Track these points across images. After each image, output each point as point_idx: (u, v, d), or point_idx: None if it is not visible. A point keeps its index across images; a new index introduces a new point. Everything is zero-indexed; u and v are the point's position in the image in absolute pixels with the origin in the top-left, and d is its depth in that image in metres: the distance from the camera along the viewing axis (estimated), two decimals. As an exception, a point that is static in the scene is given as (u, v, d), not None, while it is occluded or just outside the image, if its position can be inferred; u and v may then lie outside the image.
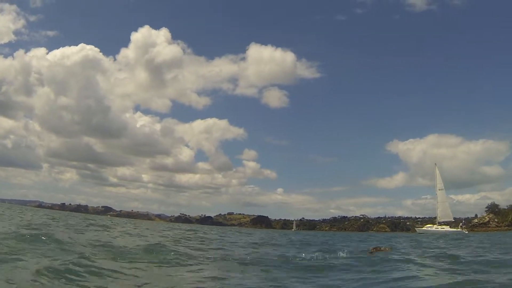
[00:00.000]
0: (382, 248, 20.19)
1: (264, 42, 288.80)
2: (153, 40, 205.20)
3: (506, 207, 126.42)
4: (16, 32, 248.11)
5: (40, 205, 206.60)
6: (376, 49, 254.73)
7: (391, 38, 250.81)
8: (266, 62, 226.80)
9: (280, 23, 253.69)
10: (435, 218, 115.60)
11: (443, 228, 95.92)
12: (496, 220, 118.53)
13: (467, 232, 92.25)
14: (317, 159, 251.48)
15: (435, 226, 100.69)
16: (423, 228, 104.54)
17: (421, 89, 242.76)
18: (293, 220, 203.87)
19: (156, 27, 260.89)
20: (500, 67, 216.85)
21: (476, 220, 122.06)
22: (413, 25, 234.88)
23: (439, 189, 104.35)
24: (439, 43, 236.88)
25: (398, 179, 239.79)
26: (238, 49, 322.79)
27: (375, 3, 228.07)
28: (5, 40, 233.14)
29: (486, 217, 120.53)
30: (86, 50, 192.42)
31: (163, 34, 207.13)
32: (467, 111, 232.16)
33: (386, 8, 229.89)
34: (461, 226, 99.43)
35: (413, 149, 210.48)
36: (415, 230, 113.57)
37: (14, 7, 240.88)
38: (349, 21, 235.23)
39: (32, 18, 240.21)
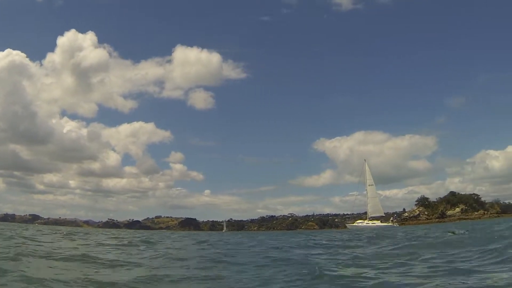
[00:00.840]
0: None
1: (190, 43, 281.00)
2: (79, 44, 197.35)
3: (435, 200, 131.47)
4: None
5: None
6: (302, 49, 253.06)
7: (317, 38, 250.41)
8: (192, 64, 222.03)
9: (205, 24, 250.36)
10: (365, 213, 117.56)
11: (374, 223, 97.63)
12: (426, 213, 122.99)
13: (397, 225, 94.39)
14: (245, 160, 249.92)
15: (365, 221, 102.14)
16: (354, 224, 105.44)
17: (348, 87, 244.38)
18: (222, 221, 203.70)
19: (83, 30, 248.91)
20: (425, 64, 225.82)
21: (406, 214, 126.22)
22: (339, 25, 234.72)
23: (369, 185, 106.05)
24: (366, 42, 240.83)
25: (325, 176, 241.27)
26: (164, 51, 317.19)
27: (301, 3, 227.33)
28: None
29: (416, 210, 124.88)
30: (12, 56, 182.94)
31: (89, 37, 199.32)
32: (393, 108, 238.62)
33: (312, 8, 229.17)
34: (392, 220, 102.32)
35: (340, 146, 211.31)
36: (345, 227, 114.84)
37: None
38: (274, 21, 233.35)
39: None
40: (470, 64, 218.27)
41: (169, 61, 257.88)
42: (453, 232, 28.19)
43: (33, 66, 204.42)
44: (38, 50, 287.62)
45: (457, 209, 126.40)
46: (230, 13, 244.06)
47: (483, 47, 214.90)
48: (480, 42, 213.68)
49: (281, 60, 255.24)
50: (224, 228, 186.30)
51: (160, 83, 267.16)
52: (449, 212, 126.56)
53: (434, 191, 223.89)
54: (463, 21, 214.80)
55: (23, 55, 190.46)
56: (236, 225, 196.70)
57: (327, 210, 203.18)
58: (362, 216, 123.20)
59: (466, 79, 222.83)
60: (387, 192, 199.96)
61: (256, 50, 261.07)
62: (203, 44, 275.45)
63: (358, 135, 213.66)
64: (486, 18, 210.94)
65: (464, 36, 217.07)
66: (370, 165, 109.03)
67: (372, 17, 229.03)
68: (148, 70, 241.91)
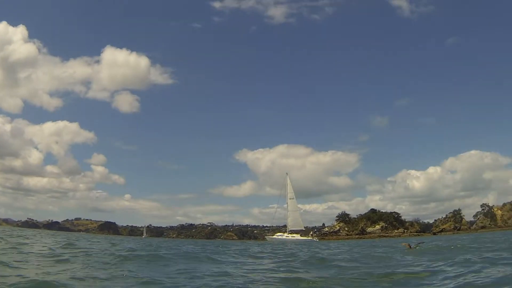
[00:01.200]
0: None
1: (119, 45, 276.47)
2: (9, 37, 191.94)
3: (356, 217, 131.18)
4: None
5: None
6: (231, 58, 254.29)
7: (245, 49, 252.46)
8: (120, 66, 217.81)
9: (136, 27, 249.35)
10: (284, 226, 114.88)
11: (294, 236, 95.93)
12: (346, 228, 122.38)
13: (317, 240, 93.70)
14: (166, 166, 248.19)
15: (285, 234, 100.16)
16: (273, 237, 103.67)
17: (274, 100, 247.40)
18: (141, 227, 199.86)
19: (14, 23, 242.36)
20: (351, 83, 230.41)
21: (326, 229, 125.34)
22: (269, 37, 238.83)
23: (290, 198, 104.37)
24: (294, 56, 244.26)
25: (246, 187, 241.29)
26: (93, 51, 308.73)
27: (233, 12, 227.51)
28: None
29: (337, 226, 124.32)
30: None
31: (20, 31, 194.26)
32: (317, 123, 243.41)
33: (244, 18, 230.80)
34: (311, 235, 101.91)
35: (262, 158, 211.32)
36: (264, 238, 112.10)
37: None
38: (205, 29, 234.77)
39: None
40: (394, 86, 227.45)
41: (98, 61, 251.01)
42: (410, 246, 27.95)
43: None
44: None
45: (378, 226, 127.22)
46: (162, 18, 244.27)
47: (406, 69, 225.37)
48: (406, 64, 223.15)
49: (209, 69, 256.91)
50: (144, 234, 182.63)
51: (87, 83, 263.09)
52: (369, 229, 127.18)
53: (354, 207, 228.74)
54: (392, 42, 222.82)
55: None
56: (155, 231, 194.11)
57: (246, 221, 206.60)
58: (282, 229, 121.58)
59: (390, 100, 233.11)
60: (307, 206, 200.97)
61: (185, 57, 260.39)
62: (132, 46, 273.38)
63: (281, 148, 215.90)
64: (411, 41, 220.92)
65: (391, 56, 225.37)
66: (291, 179, 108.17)
67: (303, 32, 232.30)
68: (76, 69, 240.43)
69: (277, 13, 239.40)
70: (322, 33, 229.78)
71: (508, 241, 30.30)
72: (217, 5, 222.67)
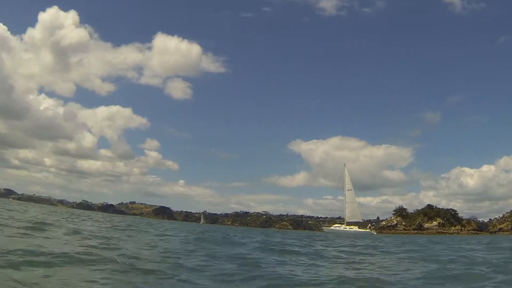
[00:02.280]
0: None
1: (171, 32, 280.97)
2: (60, 22, 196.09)
3: (412, 212, 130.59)
4: None
5: None
6: (282, 49, 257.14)
7: (298, 40, 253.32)
8: (171, 53, 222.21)
9: (188, 15, 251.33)
10: (338, 218, 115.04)
11: (351, 228, 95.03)
12: (403, 223, 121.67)
13: (375, 233, 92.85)
14: (219, 154, 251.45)
15: (343, 226, 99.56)
16: (331, 228, 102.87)
17: (327, 91, 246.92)
18: (196, 213, 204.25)
19: (65, 8, 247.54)
20: (405, 77, 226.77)
21: (384, 222, 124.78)
22: (321, 29, 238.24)
23: (348, 190, 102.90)
24: (347, 48, 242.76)
25: (299, 178, 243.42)
26: (145, 37, 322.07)
27: (284, 3, 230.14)
28: None
29: (394, 220, 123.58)
30: None
31: (71, 16, 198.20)
32: (372, 116, 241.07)
33: (295, 9, 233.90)
34: (369, 227, 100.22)
35: (316, 149, 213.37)
36: (321, 229, 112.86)
37: None
38: (256, 18, 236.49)
39: None
40: (446, 82, 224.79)
41: (149, 48, 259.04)
42: None
43: (13, 40, 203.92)
44: (19, 24, 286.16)
45: (435, 222, 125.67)
46: (213, 7, 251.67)
47: (458, 66, 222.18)
48: (458, 61, 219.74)
49: (261, 59, 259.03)
50: (202, 220, 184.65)
51: (139, 69, 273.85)
52: (426, 225, 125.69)
53: (408, 202, 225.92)
54: (444, 38, 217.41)
55: (4, 27, 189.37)
56: (210, 218, 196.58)
57: (300, 211, 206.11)
58: (336, 220, 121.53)
59: (442, 96, 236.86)
60: (361, 199, 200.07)
61: (236, 46, 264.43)
62: (184, 34, 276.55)
63: (335, 140, 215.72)
64: (463, 37, 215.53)
65: (443, 53, 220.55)
66: (342, 171, 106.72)
67: (355, 26, 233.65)
68: (127, 55, 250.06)
69: (329, 5, 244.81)
70: (373, 26, 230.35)
71: None
72: None
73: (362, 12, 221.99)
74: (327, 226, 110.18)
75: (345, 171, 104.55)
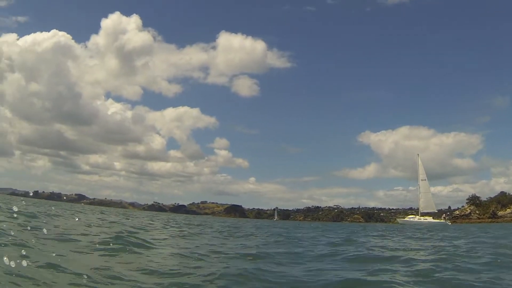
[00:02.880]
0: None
1: (234, 30, 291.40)
2: (123, 27, 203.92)
3: (486, 200, 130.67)
4: None
5: (13, 193, 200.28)
6: (347, 40, 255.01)
7: (362, 31, 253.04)
8: (236, 50, 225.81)
9: (250, 11, 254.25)
10: (410, 209, 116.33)
11: (426, 219, 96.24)
12: (477, 212, 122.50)
13: (450, 223, 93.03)
14: (288, 149, 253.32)
15: (417, 217, 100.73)
16: (405, 219, 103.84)
17: (394, 81, 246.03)
18: (267, 210, 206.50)
19: (127, 13, 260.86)
20: (471, 62, 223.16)
21: (457, 212, 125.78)
22: (384, 18, 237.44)
23: (422, 180, 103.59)
24: (412, 37, 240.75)
25: (370, 170, 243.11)
26: (208, 37, 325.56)
27: None
28: None
29: (467, 209, 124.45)
30: (58, 37, 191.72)
31: (133, 21, 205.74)
32: (439, 104, 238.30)
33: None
34: (444, 218, 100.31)
35: (385, 140, 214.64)
36: (394, 221, 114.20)
37: None
38: (319, 11, 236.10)
39: (2, 3, 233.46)
40: None
41: (214, 47, 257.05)
42: None
43: (78, 48, 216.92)
44: (82, 32, 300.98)
45: (508, 210, 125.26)
46: (276, 2, 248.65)
47: None
48: None
49: (326, 51, 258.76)
50: (276, 217, 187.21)
51: (204, 68, 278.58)
52: (500, 213, 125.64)
53: (479, 190, 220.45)
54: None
55: (69, 36, 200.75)
56: (282, 214, 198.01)
57: (371, 204, 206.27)
58: (408, 211, 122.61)
59: (510, 80, 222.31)
60: (432, 189, 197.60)
61: (301, 40, 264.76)
62: (247, 31, 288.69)
63: (403, 130, 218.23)
64: None
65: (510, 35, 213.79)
66: (414, 161, 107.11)
67: (419, 12, 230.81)
68: (192, 55, 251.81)
69: None
70: (436, 13, 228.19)
71: None
72: None
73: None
74: (401, 218, 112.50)
75: (419, 160, 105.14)
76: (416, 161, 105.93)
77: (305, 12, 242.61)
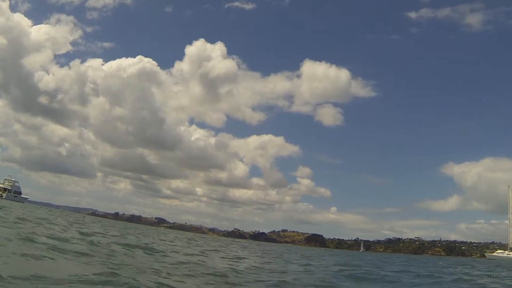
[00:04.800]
0: None
1: (318, 58, 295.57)
2: (208, 54, 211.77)
3: None
4: (73, 43, 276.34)
5: (94, 213, 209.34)
6: (432, 70, 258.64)
7: (447, 59, 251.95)
8: (320, 79, 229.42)
9: (334, 40, 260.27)
10: (492, 243, 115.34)
11: None
12: None
13: None
14: (370, 179, 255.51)
15: (506, 252, 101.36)
16: (494, 254, 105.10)
17: (477, 112, 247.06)
18: (348, 240, 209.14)
19: (212, 41, 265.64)
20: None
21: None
22: (469, 46, 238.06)
23: None
24: (496, 64, 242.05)
25: (452, 202, 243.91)
26: (293, 65, 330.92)
27: (429, 22, 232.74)
28: (63, 50, 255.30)
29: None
30: (143, 63, 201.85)
31: (218, 48, 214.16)
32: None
33: (441, 28, 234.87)
34: None
35: (468, 172, 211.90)
36: (475, 255, 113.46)
37: (71, 18, 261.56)
38: (403, 40, 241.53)
39: (89, 29, 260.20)
40: None
41: (298, 76, 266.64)
42: None
43: (162, 74, 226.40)
44: (167, 58, 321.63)
45: None
46: (359, 30, 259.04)
47: None
48: None
49: (410, 81, 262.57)
50: (362, 248, 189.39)
51: (289, 97, 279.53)
52: None
53: None
54: None
55: (154, 63, 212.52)
56: (362, 245, 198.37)
57: (452, 236, 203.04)
58: (490, 245, 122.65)
59: None
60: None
61: (385, 69, 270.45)
62: (331, 59, 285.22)
63: (487, 161, 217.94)
64: None
65: None
66: (499, 193, 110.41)
67: (503, 39, 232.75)
68: (276, 84, 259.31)
69: (474, 20, 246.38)
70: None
71: None
72: (413, 15, 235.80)
73: (508, 25, 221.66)
74: (490, 252, 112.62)
75: (510, 192, 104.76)
76: (505, 193, 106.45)
77: (389, 41, 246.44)
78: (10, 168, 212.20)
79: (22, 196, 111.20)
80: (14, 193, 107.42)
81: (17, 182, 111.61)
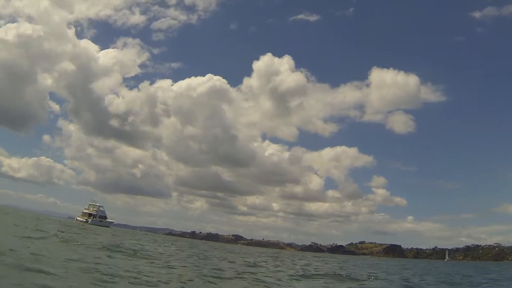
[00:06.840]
0: None
1: (385, 65, 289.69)
2: (276, 68, 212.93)
3: None
4: (141, 65, 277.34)
5: (170, 233, 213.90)
6: (502, 69, 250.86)
7: None
8: (389, 86, 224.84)
9: (399, 46, 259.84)
10: None
11: None
12: None
13: None
14: (446, 185, 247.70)
15: None
16: None
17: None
18: (426, 249, 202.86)
19: (279, 55, 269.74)
20: None
21: None
22: None
23: None
24: None
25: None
26: (361, 74, 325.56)
27: (495, 21, 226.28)
28: (131, 73, 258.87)
29: None
30: (213, 81, 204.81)
31: (286, 61, 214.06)
32: None
33: (507, 26, 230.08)
34: None
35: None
36: None
37: (137, 40, 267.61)
38: (468, 41, 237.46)
39: (156, 51, 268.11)
40: None
41: (367, 85, 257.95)
42: None
43: (232, 91, 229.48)
44: (235, 75, 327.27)
45: None
46: (423, 34, 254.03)
47: None
48: None
49: (481, 82, 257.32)
50: (447, 257, 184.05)
51: (360, 106, 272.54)
52: None
53: None
54: None
55: (224, 80, 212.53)
56: (441, 254, 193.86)
57: None
58: None
59: None
60: None
61: (454, 72, 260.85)
62: (399, 66, 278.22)
63: None
64: None
65: None
66: None
67: None
68: (346, 94, 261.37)
69: None
70: None
71: None
72: (477, 15, 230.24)
73: None
74: None
75: None
76: None
77: (455, 43, 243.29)
78: (86, 192, 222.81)
79: (107, 220, 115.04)
80: (100, 218, 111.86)
81: (102, 206, 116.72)
